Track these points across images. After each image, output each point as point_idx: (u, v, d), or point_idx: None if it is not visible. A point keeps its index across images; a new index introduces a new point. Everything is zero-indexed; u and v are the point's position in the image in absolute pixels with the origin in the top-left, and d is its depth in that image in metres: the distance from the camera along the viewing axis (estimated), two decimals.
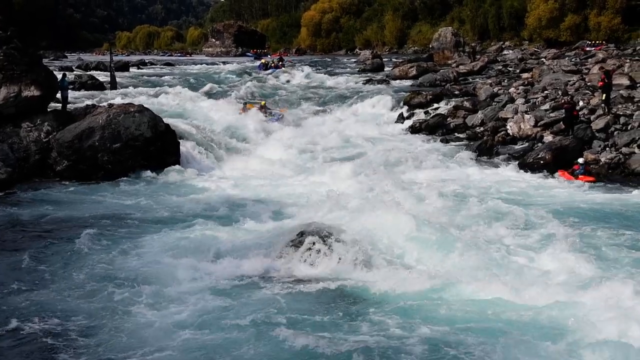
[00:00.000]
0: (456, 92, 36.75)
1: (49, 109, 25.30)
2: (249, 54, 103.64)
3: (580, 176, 21.96)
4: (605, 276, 12.43)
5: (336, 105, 38.32)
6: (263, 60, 59.96)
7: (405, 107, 35.39)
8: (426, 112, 34.06)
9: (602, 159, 23.28)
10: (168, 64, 78.91)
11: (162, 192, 20.64)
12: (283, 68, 59.42)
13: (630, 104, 26.50)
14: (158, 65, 76.36)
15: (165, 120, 25.27)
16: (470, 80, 43.14)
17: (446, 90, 37.60)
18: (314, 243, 13.91)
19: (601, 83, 26.54)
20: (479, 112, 31.23)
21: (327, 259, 13.65)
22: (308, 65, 64.53)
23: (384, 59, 67.25)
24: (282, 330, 10.43)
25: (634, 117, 25.01)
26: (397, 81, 48.27)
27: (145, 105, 25.79)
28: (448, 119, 31.97)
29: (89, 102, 28.99)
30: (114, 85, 42.49)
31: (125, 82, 46.88)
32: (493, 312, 11.04)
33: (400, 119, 34.03)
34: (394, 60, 71.32)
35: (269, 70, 57.78)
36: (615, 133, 24.60)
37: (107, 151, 22.75)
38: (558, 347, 9.70)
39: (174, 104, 33.96)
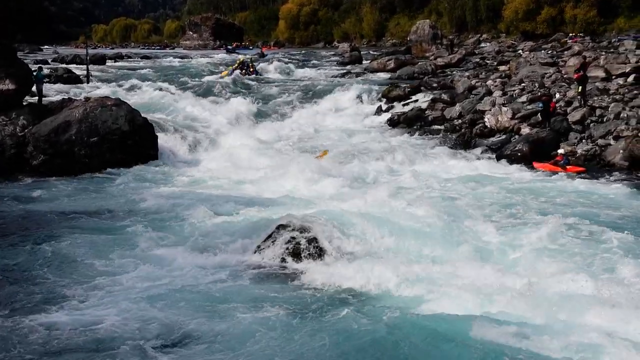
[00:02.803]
0: (434, 85, 36.82)
1: (24, 103, 25.04)
2: (229, 47, 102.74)
3: (568, 167, 22.15)
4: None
5: (314, 98, 38.24)
6: (238, 62, 48.00)
7: (384, 100, 35.45)
8: (404, 105, 34.12)
9: (579, 151, 23.53)
10: (145, 57, 78.22)
11: (140, 186, 20.54)
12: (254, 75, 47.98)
13: (605, 96, 26.77)
14: (136, 59, 75.67)
15: (143, 114, 25.13)
16: (448, 72, 43.28)
17: (424, 83, 37.66)
18: (291, 236, 13.94)
19: (577, 75, 26.77)
20: (457, 104, 31.35)
21: (304, 252, 13.67)
22: (287, 59, 64.25)
23: (362, 52, 67.25)
24: (260, 324, 10.45)
25: (609, 109, 25.27)
26: (375, 74, 48.32)
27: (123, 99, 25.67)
28: (426, 112, 32.05)
29: (64, 96, 28.74)
30: (88, 78, 42.15)
31: (101, 75, 46.50)
32: (467, 306, 11.10)
33: (379, 111, 34.07)
34: (372, 53, 71.38)
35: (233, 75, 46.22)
36: (591, 125, 24.85)
37: (84, 145, 22.57)
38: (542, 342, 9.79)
39: (152, 97, 33.80)
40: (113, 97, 25.93)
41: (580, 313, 10.49)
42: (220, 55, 73.78)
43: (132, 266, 13.09)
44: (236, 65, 44.72)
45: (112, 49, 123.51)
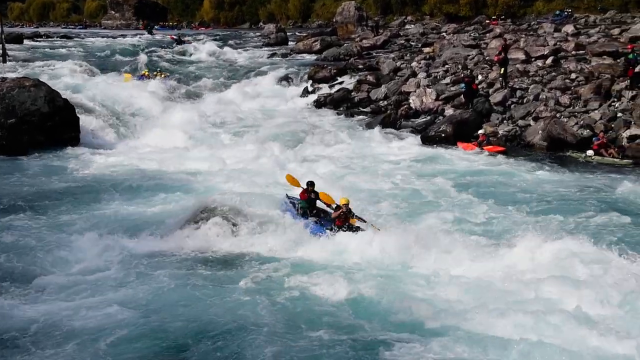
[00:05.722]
0: (360, 67, 37.07)
1: None
2: (157, 27, 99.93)
3: (488, 147, 22.66)
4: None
5: (239, 80, 37.96)
6: (145, 72, 37.64)
7: (310, 82, 35.46)
8: (330, 86, 34.22)
9: (500, 131, 24.14)
10: (65, 36, 75.74)
11: (61, 169, 19.99)
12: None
13: (525, 77, 27.48)
14: (55, 38, 73.17)
15: (64, 95, 24.42)
16: (374, 54, 43.51)
17: (350, 65, 37.88)
18: (215, 218, 13.88)
19: (498, 58, 27.37)
20: (383, 86, 31.65)
21: (228, 233, 13.68)
22: (211, 40, 63.26)
23: (288, 33, 66.93)
24: (184, 305, 10.48)
25: (529, 90, 25.98)
26: (301, 55, 48.24)
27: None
28: (352, 93, 32.26)
29: None
30: (4, 58, 40.59)
31: (19, 55, 44.86)
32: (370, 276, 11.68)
33: (305, 93, 34.08)
34: (298, 34, 71.12)
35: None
36: (512, 106, 25.50)
37: (0, 127, 21.76)
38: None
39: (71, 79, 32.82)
40: (31, 78, 25.11)
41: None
42: (144, 36, 71.98)
43: (51, 255, 12.73)
44: (142, 73, 39.02)
45: (37, 27, 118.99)
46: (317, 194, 14.42)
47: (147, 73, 36.95)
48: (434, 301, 10.56)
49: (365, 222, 13.72)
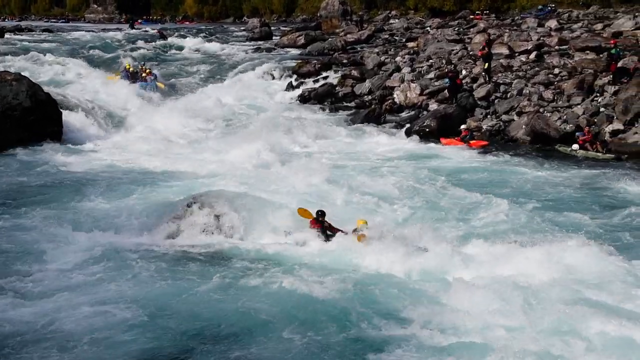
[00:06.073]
0: (344, 61, 36.98)
1: None
2: (141, 21, 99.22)
3: (471, 142, 22.75)
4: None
5: (223, 75, 37.81)
6: (128, 66, 34.88)
7: (294, 76, 35.38)
8: (315, 81, 34.16)
9: (484, 126, 24.23)
10: (48, 30, 75.03)
11: (42, 164, 19.75)
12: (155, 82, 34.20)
13: (509, 72, 27.58)
14: (37, 32, 72.52)
15: (46, 89, 24.19)
16: (358, 49, 43.49)
17: (334, 59, 37.79)
18: (201, 214, 13.86)
19: (481, 53, 27.47)
20: (367, 80, 31.62)
21: (214, 229, 13.65)
22: (195, 34, 62.96)
23: (272, 28, 66.76)
24: (169, 300, 10.46)
25: (512, 85, 26.07)
26: (286, 50, 48.15)
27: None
28: (337, 88, 32.22)
29: None
30: None
31: (1, 49, 44.42)
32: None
33: (290, 88, 33.99)
34: (282, 28, 70.95)
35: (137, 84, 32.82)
36: (496, 101, 25.60)
37: None
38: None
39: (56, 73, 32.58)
40: (13, 72, 24.87)
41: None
42: (126, 31, 71.50)
43: (33, 253, 12.56)
44: (126, 67, 34.78)
45: (19, 21, 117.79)
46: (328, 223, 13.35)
47: (129, 67, 36.36)
48: (431, 305, 10.44)
49: None
